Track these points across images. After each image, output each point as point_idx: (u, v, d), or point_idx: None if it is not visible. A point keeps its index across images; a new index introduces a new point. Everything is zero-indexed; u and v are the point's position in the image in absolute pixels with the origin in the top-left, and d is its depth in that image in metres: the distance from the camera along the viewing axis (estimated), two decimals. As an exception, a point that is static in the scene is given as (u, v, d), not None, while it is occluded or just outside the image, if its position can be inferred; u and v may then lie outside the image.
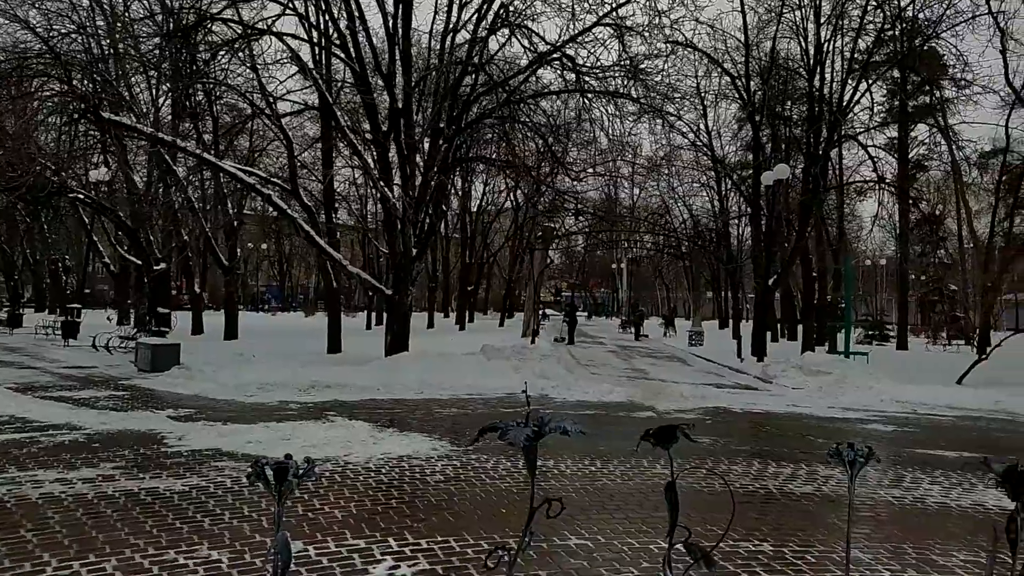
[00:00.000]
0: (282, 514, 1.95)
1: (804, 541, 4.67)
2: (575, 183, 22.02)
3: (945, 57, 25.09)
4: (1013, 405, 12.10)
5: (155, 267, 22.74)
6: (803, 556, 4.38)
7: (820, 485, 6.19)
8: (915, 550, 4.57)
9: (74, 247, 40.45)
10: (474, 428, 2.10)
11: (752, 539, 4.67)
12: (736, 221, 37.13)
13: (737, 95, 23.21)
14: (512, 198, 36.44)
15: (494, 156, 20.84)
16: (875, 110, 27.23)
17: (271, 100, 15.92)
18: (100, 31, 21.04)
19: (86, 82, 19.02)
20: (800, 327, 30.04)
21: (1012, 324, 32.01)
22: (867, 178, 28.39)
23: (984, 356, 16.50)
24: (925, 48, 24.21)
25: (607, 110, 15.82)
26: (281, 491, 1.92)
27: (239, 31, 14.76)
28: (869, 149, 25.49)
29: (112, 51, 20.49)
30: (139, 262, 23.32)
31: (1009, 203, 28.78)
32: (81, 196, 21.43)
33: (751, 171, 23.91)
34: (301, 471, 1.93)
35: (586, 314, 65.73)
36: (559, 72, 16.08)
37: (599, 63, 15.55)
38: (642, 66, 15.17)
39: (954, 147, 27.53)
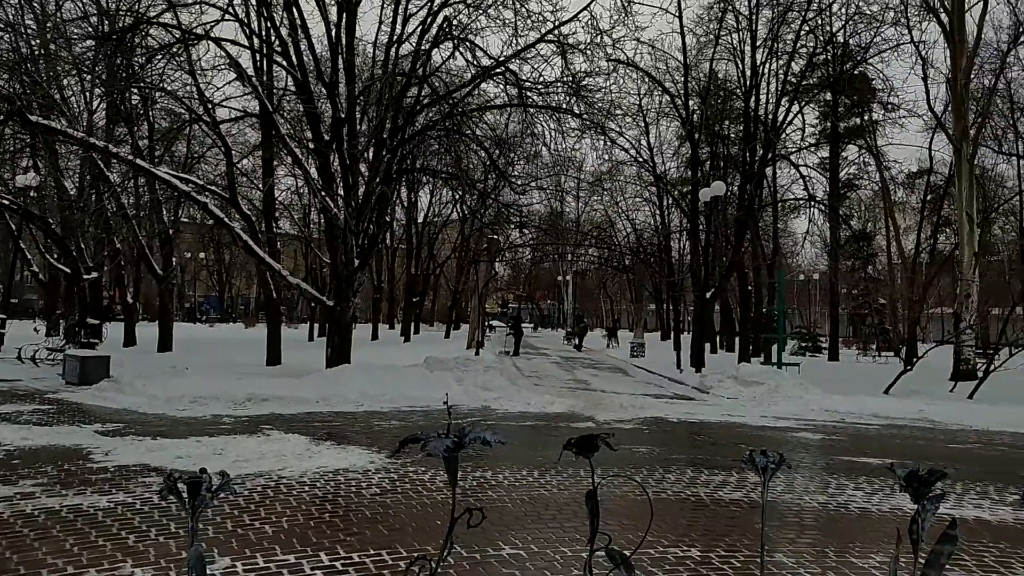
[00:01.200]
0: (196, 529, 1.92)
1: (730, 546, 4.79)
2: (519, 196, 22.19)
3: (874, 81, 26.31)
4: (934, 414, 12.65)
5: (86, 276, 21.93)
6: (729, 561, 4.50)
7: (749, 491, 6.36)
8: (836, 553, 4.73)
9: (-1, 255, 38.71)
10: (414, 441, 2.11)
11: (681, 545, 4.77)
12: (677, 235, 37.92)
13: (677, 114, 23.80)
14: (458, 210, 36.45)
15: (439, 168, 20.83)
16: (807, 131, 28.35)
17: (209, 106, 15.59)
18: (30, 31, 20.28)
19: (13, 83, 18.29)
20: (737, 339, 30.85)
21: (938, 336, 33.50)
22: (799, 196, 29.43)
23: (909, 367, 17.20)
24: (855, 73, 25.32)
25: (550, 125, 16.03)
26: (195, 506, 1.90)
27: (177, 35, 14.44)
28: (801, 168, 26.49)
29: (42, 52, 19.76)
30: (69, 271, 22.46)
31: (933, 221, 30.23)
32: (7, 202, 20.55)
33: (690, 187, 24.50)
34: (215, 485, 1.91)
35: (532, 326, 66.05)
36: (502, 87, 16.22)
37: (542, 79, 15.73)
38: (584, 83, 15.42)
39: (882, 167, 28.76)
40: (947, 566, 4.23)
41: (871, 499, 6.33)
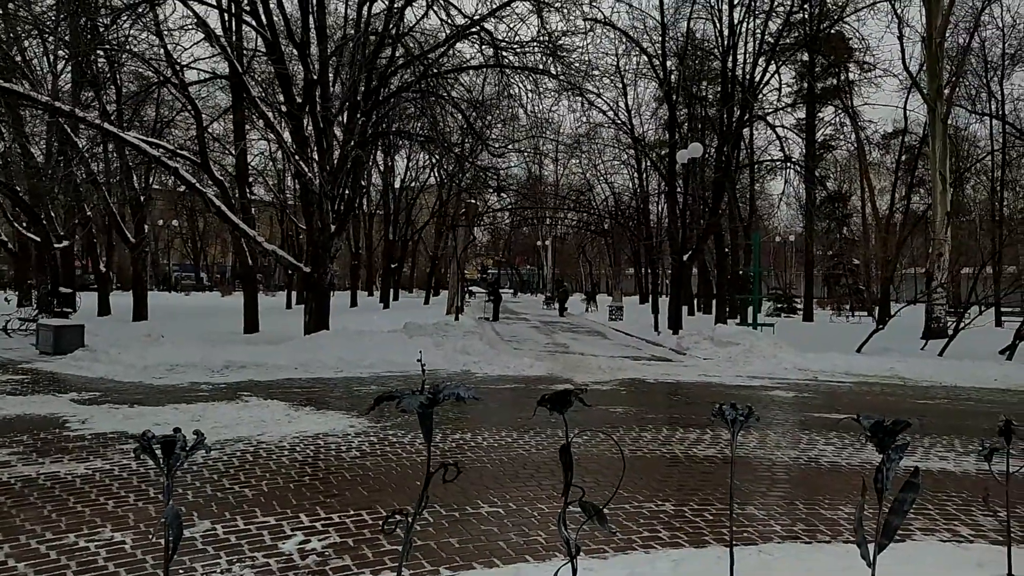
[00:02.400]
0: (171, 487, 1.93)
1: (703, 500, 4.91)
2: (497, 160, 22.03)
3: (850, 40, 26.28)
4: (905, 371, 12.93)
5: (56, 245, 21.56)
6: (701, 514, 4.61)
7: (722, 448, 6.50)
8: (806, 505, 4.87)
9: (-35, 224, 37.74)
10: (393, 405, 2.12)
11: (655, 499, 4.89)
12: (655, 198, 37.97)
13: (655, 75, 23.65)
14: (435, 174, 36.15)
15: (415, 131, 20.60)
16: (784, 92, 28.30)
17: (177, 68, 15.20)
18: (-14, -10, 19.54)
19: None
20: (714, 301, 31.17)
21: (911, 295, 34.06)
22: (776, 157, 29.52)
23: (881, 326, 17.51)
24: (832, 31, 25.24)
25: (526, 87, 15.86)
26: (169, 465, 1.91)
27: (142, -6, 13.99)
28: (778, 129, 26.48)
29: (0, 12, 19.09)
30: (39, 239, 22.04)
31: (908, 181, 30.53)
32: (-30, 169, 20.03)
33: (668, 149, 24.47)
34: (190, 445, 1.92)
35: (511, 291, 66.23)
36: (478, 47, 15.99)
37: (518, 38, 15.57)
38: (561, 43, 15.25)
39: (858, 128, 28.87)
40: (912, 514, 4.37)
41: (841, 453, 6.50)
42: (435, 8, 15.14)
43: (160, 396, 9.02)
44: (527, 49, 15.30)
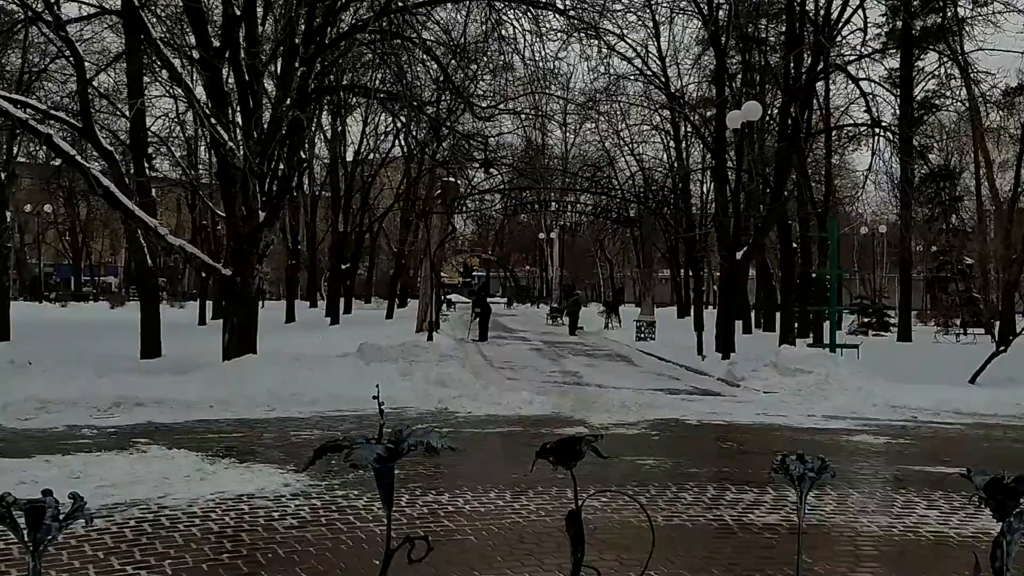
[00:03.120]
0: (39, 570, 1.93)
1: (763, 585, 4.94)
2: (485, 124, 22.09)
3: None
4: (1037, 409, 13.00)
5: None
6: (761, 604, 4.64)
7: (788, 513, 6.52)
8: (901, 591, 4.90)
9: None
10: (341, 457, 2.13)
11: (698, 585, 4.90)
12: (698, 176, 38.07)
13: (697, 9, 23.76)
14: (402, 143, 36.21)
15: (374, 86, 20.66)
16: (871, 33, 28.38)
17: (52, 1, 15.26)
18: None
19: None
20: (778, 314, 31.26)
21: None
22: (860, 121, 29.64)
23: (1003, 348, 17.57)
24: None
25: (524, 26, 15.91)
26: (36, 540, 1.91)
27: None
28: (863, 84, 26.50)
29: None
30: None
31: (1038, 153, 30.70)
32: None
33: (715, 110, 24.57)
34: (65, 512, 1.92)
35: (504, 301, 66.34)
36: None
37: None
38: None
39: (971, 82, 28.97)
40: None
41: (949, 520, 6.53)
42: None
43: (26, 444, 9.01)
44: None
